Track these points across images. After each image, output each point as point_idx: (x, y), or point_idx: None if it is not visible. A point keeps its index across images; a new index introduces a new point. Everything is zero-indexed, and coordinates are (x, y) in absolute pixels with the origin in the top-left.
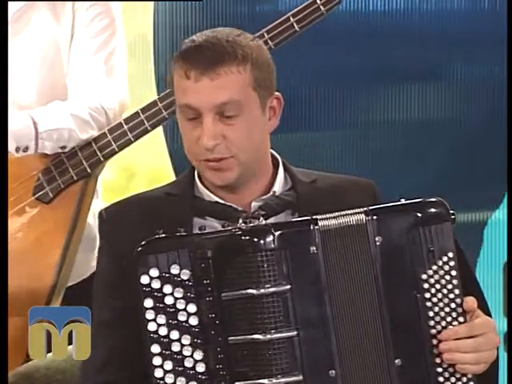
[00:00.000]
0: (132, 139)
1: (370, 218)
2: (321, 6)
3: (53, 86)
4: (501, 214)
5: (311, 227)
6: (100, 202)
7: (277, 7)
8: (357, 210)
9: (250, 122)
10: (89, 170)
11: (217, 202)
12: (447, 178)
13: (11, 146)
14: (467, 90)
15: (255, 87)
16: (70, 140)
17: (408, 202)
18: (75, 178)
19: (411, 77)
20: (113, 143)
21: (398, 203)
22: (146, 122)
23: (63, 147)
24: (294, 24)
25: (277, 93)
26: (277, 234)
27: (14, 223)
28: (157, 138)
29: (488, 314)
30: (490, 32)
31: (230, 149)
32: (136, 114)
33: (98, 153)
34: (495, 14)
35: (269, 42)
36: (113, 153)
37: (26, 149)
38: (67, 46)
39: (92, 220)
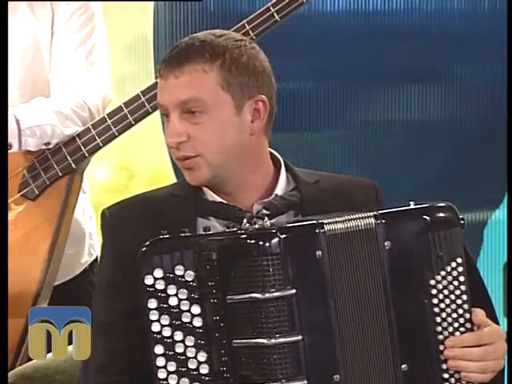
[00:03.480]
0: (116, 133)
1: (379, 221)
2: None
3: (34, 82)
4: (501, 214)
5: (317, 231)
6: (87, 198)
7: None
8: (366, 214)
9: (219, 122)
10: (74, 166)
11: (221, 203)
12: (447, 178)
13: None
14: (467, 90)
15: (225, 87)
16: (53, 136)
17: (417, 206)
18: (60, 173)
19: (411, 77)
20: (97, 138)
21: (408, 207)
22: (129, 116)
23: (47, 143)
24: (275, 14)
25: (262, 95)
26: (282, 237)
27: None
28: (157, 138)
29: (496, 321)
30: (490, 32)
31: (195, 147)
32: (119, 109)
33: (83, 148)
34: (495, 13)
35: (250, 32)
36: (97, 148)
37: (10, 146)
38: (48, 43)
39: (80, 216)
